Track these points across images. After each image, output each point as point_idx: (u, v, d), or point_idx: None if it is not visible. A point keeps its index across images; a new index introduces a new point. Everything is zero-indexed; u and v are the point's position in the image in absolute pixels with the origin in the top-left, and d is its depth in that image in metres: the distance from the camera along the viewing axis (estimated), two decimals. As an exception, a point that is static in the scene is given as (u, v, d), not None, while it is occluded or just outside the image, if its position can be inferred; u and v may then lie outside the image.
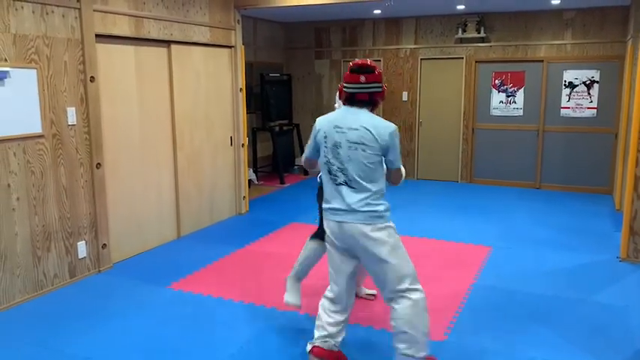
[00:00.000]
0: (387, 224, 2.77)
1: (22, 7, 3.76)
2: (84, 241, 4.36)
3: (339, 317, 2.93)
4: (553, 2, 6.59)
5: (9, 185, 3.76)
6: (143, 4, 4.81)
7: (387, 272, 2.74)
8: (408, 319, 2.74)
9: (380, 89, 2.81)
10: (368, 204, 2.73)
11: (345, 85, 2.83)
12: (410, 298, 2.74)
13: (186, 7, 5.32)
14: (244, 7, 6.05)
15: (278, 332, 3.47)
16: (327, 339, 2.92)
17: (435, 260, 4.81)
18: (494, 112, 7.89)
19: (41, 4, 3.88)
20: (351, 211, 2.74)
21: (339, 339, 2.95)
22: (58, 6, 4.00)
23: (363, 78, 2.78)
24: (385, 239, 2.73)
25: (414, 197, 7.28)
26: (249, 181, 7.39)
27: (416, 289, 2.77)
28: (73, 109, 4.18)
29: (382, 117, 2.80)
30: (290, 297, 3.59)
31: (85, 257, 4.38)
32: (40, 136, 3.95)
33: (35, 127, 3.90)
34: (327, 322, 2.93)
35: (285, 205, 6.92)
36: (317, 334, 2.96)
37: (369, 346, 3.29)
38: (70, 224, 4.23)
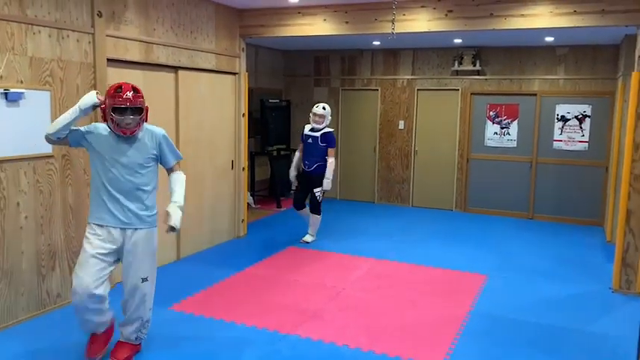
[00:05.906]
0: None
1: (40, 32, 3.88)
2: (87, 261, 4.39)
3: None
4: (547, 39, 6.82)
5: (18, 204, 3.82)
6: (153, 30, 4.95)
7: None
8: None
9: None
10: None
11: None
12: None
13: (194, 35, 5.47)
14: (249, 36, 6.22)
15: (280, 356, 3.52)
16: None
17: (432, 287, 4.89)
18: (489, 143, 8.07)
19: (57, 28, 4.01)
20: None
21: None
22: (73, 31, 4.13)
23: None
24: None
25: (410, 224, 7.39)
26: (247, 204, 7.45)
27: None
28: (83, 130, 4.26)
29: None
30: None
31: (87, 277, 4.40)
32: (50, 157, 4.03)
33: (46, 147, 3.95)
34: None
35: (282, 228, 6.99)
36: None
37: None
38: (75, 244, 4.28)
